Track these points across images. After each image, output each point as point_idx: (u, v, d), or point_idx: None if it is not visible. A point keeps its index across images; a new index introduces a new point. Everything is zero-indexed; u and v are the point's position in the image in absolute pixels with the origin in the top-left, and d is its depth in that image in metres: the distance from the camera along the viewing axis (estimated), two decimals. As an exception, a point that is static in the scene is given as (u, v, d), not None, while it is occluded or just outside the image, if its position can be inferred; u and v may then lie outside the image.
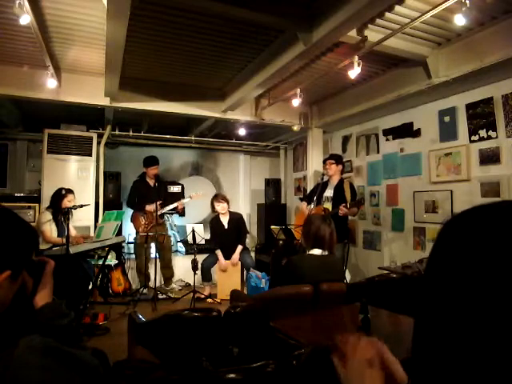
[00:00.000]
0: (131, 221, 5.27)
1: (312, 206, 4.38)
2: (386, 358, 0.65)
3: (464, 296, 0.43)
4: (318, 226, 2.68)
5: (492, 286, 0.41)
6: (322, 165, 4.78)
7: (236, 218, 5.28)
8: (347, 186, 4.46)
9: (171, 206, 5.16)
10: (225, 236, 5.12)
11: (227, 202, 5.21)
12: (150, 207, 5.10)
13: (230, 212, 5.27)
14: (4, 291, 0.78)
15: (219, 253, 5.06)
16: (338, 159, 4.61)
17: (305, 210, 4.59)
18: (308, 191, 5.22)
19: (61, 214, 4.12)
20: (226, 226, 5.20)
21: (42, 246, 3.94)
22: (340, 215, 4.10)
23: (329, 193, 4.49)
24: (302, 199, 4.86)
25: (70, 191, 4.28)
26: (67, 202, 4.16)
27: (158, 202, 4.99)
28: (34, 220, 4.88)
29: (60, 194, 4.21)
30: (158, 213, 4.99)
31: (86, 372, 0.73)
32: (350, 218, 4.57)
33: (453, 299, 0.44)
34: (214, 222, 5.30)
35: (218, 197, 5.27)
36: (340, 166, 4.59)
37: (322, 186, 4.51)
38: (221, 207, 5.16)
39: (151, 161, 5.27)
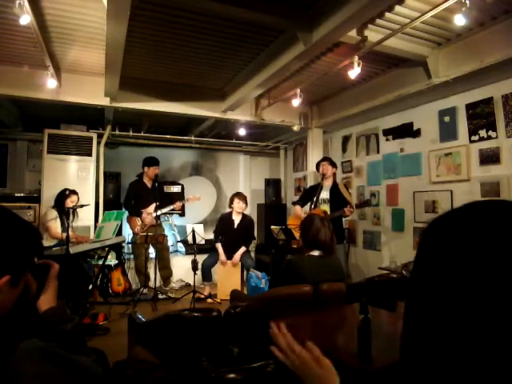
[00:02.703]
0: (127, 221, 5.26)
1: (308, 207, 4.38)
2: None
3: (448, 296, 0.43)
4: (318, 229, 2.65)
5: (475, 286, 0.41)
6: (316, 167, 4.75)
7: (247, 221, 5.30)
8: (343, 188, 4.46)
9: (167, 209, 5.15)
10: (231, 235, 5.11)
11: (246, 204, 5.25)
12: (145, 213, 5.10)
13: (243, 214, 5.28)
14: (3, 296, 0.75)
15: (219, 246, 5.06)
16: (332, 161, 4.66)
17: (299, 213, 4.56)
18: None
19: (64, 214, 4.19)
20: (236, 226, 5.20)
21: (47, 243, 3.97)
22: (347, 216, 4.25)
23: (324, 195, 4.49)
24: (294, 203, 4.83)
25: (74, 192, 4.46)
26: (70, 203, 4.32)
27: (153, 205, 4.97)
28: (34, 220, 4.88)
29: (64, 194, 4.40)
30: (154, 215, 4.99)
31: (87, 379, 0.71)
32: (346, 218, 4.58)
33: (437, 300, 0.44)
34: (224, 218, 5.32)
35: (241, 195, 5.26)
36: (334, 169, 4.66)
37: (316, 189, 4.50)
38: (239, 206, 5.17)
39: (153, 161, 5.26)
